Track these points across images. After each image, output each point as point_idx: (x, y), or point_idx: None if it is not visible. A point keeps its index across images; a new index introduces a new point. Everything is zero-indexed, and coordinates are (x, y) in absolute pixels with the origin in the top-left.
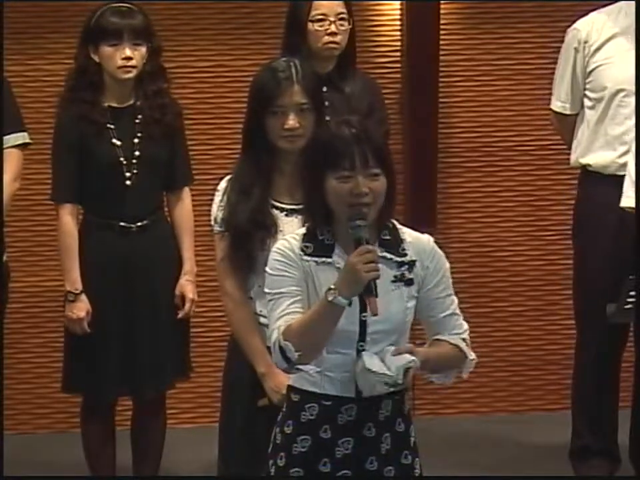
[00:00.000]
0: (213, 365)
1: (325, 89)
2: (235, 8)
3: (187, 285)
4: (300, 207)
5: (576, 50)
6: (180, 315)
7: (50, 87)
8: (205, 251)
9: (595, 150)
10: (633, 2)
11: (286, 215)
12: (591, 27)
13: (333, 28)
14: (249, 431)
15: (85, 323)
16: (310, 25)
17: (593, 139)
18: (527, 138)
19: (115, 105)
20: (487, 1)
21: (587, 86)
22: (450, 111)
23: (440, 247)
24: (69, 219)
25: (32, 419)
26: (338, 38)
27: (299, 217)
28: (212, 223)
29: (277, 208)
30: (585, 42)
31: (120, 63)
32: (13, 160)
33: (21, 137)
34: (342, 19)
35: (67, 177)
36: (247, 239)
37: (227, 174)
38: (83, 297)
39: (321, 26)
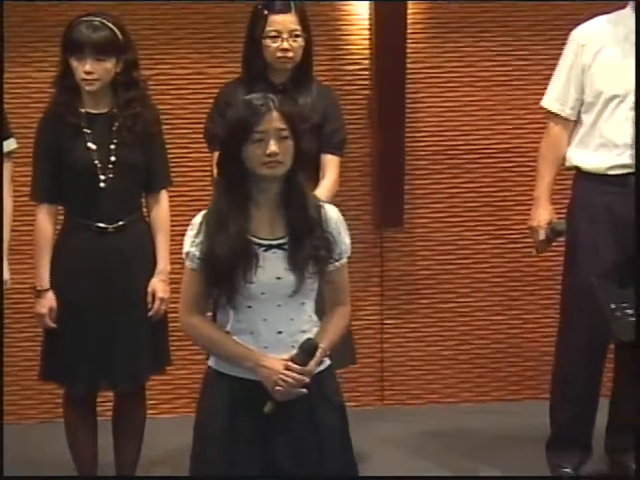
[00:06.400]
0: (191, 358)
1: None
2: (209, 19)
3: (157, 284)
4: (280, 241)
5: (575, 53)
6: (150, 313)
7: (35, 93)
8: (181, 250)
9: (589, 152)
10: (632, 12)
11: (265, 251)
12: (591, 32)
13: (285, 44)
14: (226, 462)
15: (47, 318)
16: (264, 40)
17: (587, 142)
18: (489, 142)
19: (91, 111)
20: (451, 13)
21: (585, 88)
22: (416, 117)
23: (407, 246)
24: (43, 219)
25: (18, 409)
26: (289, 54)
27: (279, 252)
28: (184, 257)
29: (255, 243)
30: (583, 45)
31: (82, 75)
32: (8, 171)
33: (11, 143)
34: (296, 35)
35: (43, 178)
36: (227, 272)
37: (205, 175)
38: (49, 293)
39: (274, 42)
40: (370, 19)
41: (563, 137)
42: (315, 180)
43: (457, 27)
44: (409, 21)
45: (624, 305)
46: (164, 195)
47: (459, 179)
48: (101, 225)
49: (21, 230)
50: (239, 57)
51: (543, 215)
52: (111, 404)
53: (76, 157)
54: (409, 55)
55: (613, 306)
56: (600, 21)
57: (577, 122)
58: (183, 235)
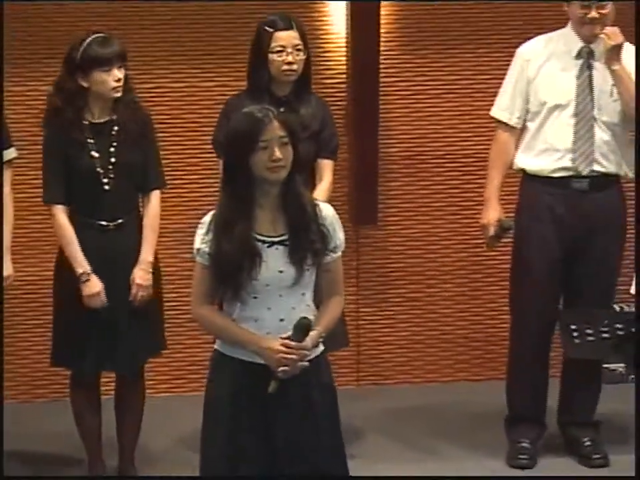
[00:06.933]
0: (186, 342)
1: (282, 109)
2: (202, 39)
3: (137, 272)
4: (281, 238)
5: (520, 67)
6: (130, 298)
7: (44, 105)
8: (177, 245)
9: (533, 156)
10: (571, 30)
11: (268, 247)
12: (534, 48)
13: (290, 58)
14: (231, 445)
15: (103, 296)
16: (270, 55)
17: (532, 146)
18: (454, 148)
19: (96, 121)
20: (420, 33)
21: (530, 99)
22: (389, 125)
23: (381, 241)
24: (62, 217)
25: (31, 389)
26: (294, 66)
27: (280, 247)
28: (194, 253)
29: (259, 240)
30: (528, 61)
31: (113, 84)
32: (9, 176)
33: (12, 152)
34: (298, 49)
35: (55, 182)
36: (233, 270)
37: (197, 178)
38: (94, 276)
39: (279, 56)
40: (347, 38)
41: (510, 143)
42: (311, 183)
43: (425, 45)
44: (382, 40)
45: (586, 326)
46: (155, 195)
47: (428, 181)
48: (103, 222)
49: (33, 227)
50: (227, 72)
51: (492, 214)
52: (114, 383)
53: (81, 165)
54: (382, 70)
55: (573, 327)
56: (542, 39)
57: (523, 129)
58: (180, 231)
